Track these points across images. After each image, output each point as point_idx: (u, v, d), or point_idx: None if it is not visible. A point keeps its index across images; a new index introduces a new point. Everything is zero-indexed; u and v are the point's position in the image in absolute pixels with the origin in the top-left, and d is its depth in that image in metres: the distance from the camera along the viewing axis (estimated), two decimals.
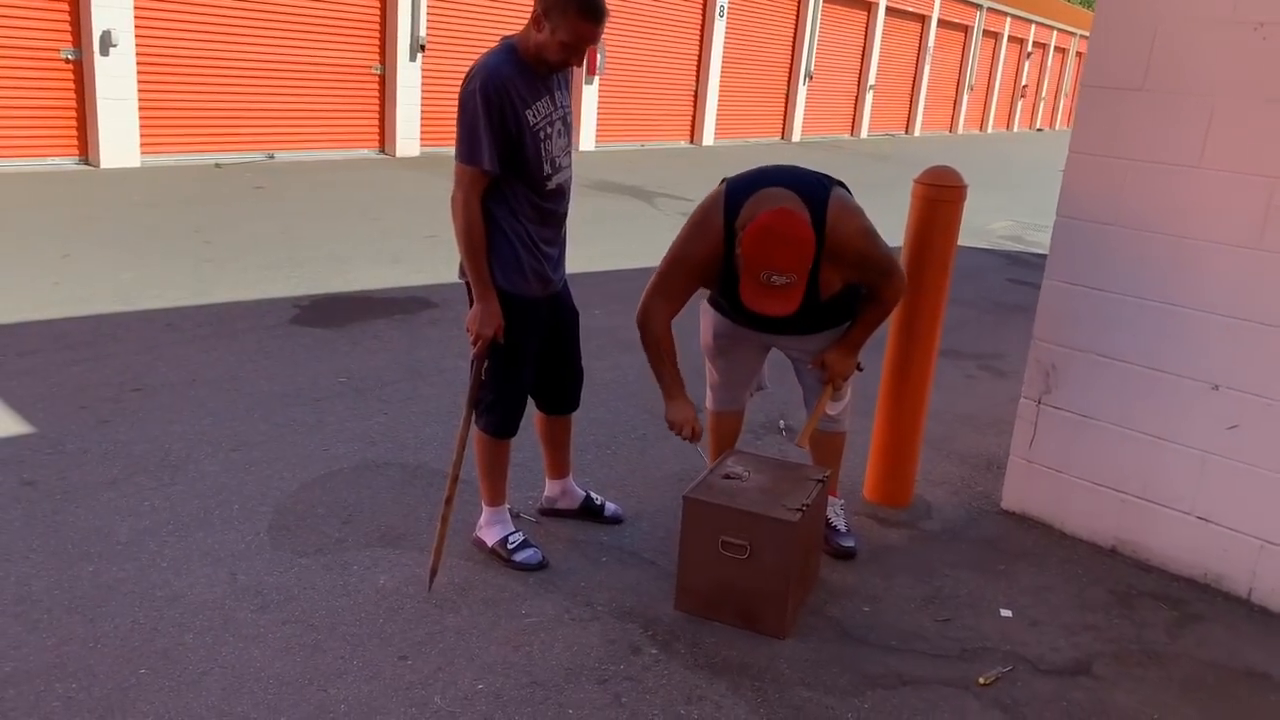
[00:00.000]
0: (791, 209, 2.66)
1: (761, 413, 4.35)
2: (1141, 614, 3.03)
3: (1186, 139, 3.07)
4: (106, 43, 8.97)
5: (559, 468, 3.26)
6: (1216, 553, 3.18)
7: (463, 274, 2.74)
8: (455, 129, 2.62)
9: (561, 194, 2.80)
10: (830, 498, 3.26)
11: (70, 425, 3.74)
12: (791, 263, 2.61)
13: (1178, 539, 3.25)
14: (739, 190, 2.80)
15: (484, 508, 3.04)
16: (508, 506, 3.09)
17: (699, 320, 3.21)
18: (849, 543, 3.22)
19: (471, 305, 2.74)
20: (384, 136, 12.04)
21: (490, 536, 3.01)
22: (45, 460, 3.43)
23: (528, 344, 2.84)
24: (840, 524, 3.25)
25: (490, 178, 2.63)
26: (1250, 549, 3.11)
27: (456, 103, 2.64)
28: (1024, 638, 2.85)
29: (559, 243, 2.88)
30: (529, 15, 2.63)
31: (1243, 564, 3.13)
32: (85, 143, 9.28)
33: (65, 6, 8.90)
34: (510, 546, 2.97)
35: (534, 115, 2.64)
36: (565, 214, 2.86)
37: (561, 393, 3.10)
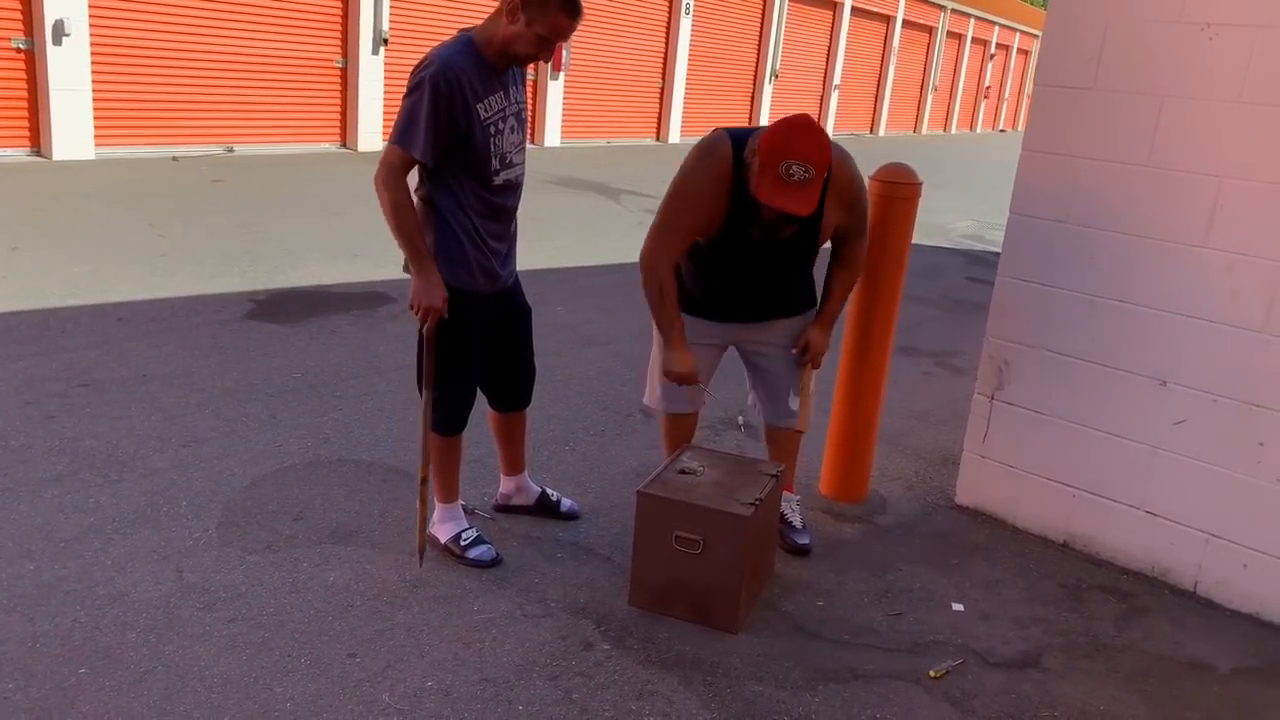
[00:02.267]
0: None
1: (720, 408, 4.35)
2: (1091, 607, 3.07)
3: (1135, 138, 3.11)
4: (59, 32, 8.80)
5: (513, 464, 3.24)
6: (1164, 546, 3.23)
7: (407, 268, 2.70)
8: (399, 111, 2.58)
9: (511, 189, 2.77)
10: (786, 494, 3.27)
11: (14, 421, 3.65)
12: (812, 153, 2.57)
13: (1127, 533, 3.30)
14: (738, 132, 2.82)
15: (436, 504, 3.01)
16: (461, 503, 3.07)
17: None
18: (804, 540, 3.23)
19: None
20: (345, 130, 11.92)
21: (443, 534, 2.98)
22: None
23: (473, 340, 2.82)
24: (796, 520, 3.26)
25: (415, 165, 2.58)
26: (1196, 542, 3.16)
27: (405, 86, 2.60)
28: (975, 631, 2.87)
29: (508, 238, 2.85)
30: (493, 7, 2.60)
31: (1189, 557, 3.18)
32: (37, 133, 9.10)
33: None
34: (463, 543, 2.95)
35: (485, 109, 2.61)
36: (514, 209, 2.83)
37: (513, 389, 3.08)
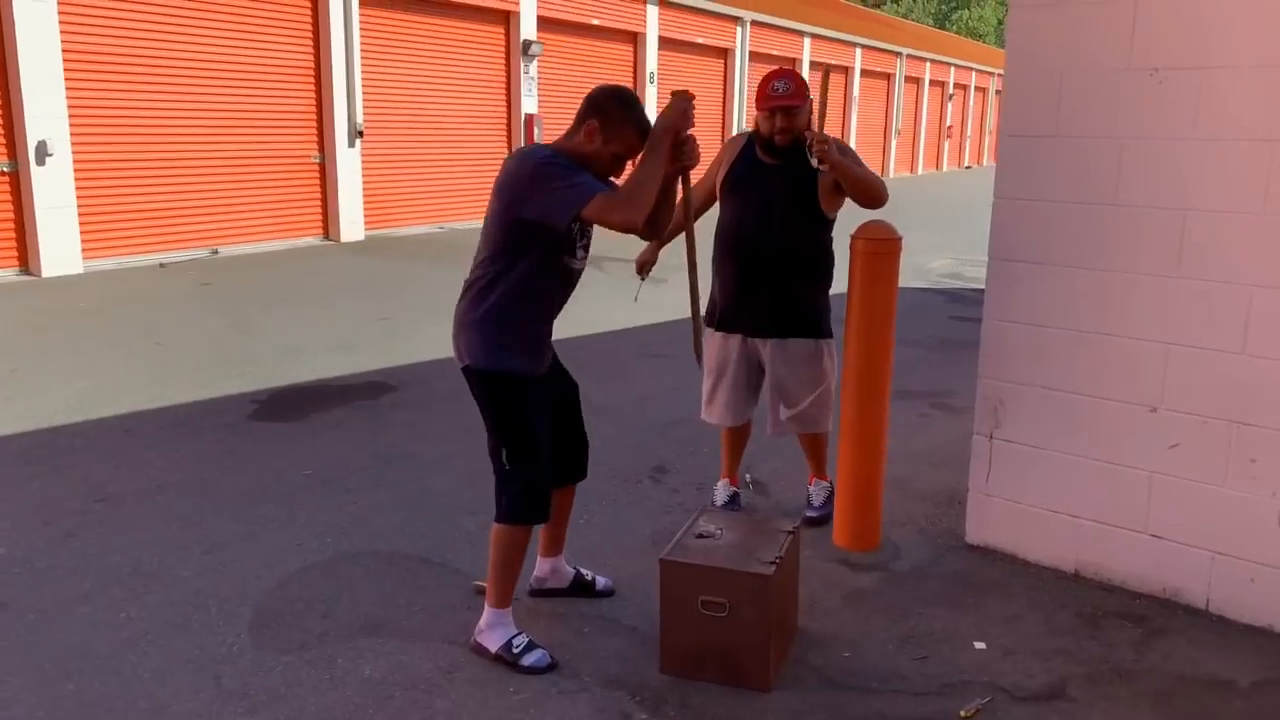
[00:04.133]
0: None
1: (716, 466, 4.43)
2: (1109, 634, 3.14)
3: (1100, 179, 3.27)
4: (42, 152, 8.98)
5: (555, 543, 3.28)
6: (1172, 568, 3.31)
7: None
8: (542, 196, 2.63)
9: (577, 276, 2.93)
10: (822, 482, 3.99)
11: (37, 542, 3.71)
12: (790, 75, 3.61)
13: (1135, 558, 3.38)
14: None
15: (487, 608, 2.95)
16: (510, 608, 3.00)
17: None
18: (810, 513, 3.89)
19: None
20: (327, 223, 12.11)
21: (493, 641, 2.91)
22: (15, 580, 3.40)
23: (540, 424, 2.89)
24: (815, 500, 3.95)
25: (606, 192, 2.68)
26: (1203, 561, 3.24)
27: (518, 180, 2.69)
28: (999, 667, 2.94)
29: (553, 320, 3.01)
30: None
31: (1198, 576, 3.26)
32: (25, 253, 9.22)
33: None
34: (516, 650, 2.88)
35: None
36: (568, 296, 2.98)
37: (573, 461, 3.15)
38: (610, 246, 3.05)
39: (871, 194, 3.55)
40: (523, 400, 2.86)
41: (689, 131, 2.77)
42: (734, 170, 3.72)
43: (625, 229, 2.65)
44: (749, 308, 3.72)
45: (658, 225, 2.91)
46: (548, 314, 2.92)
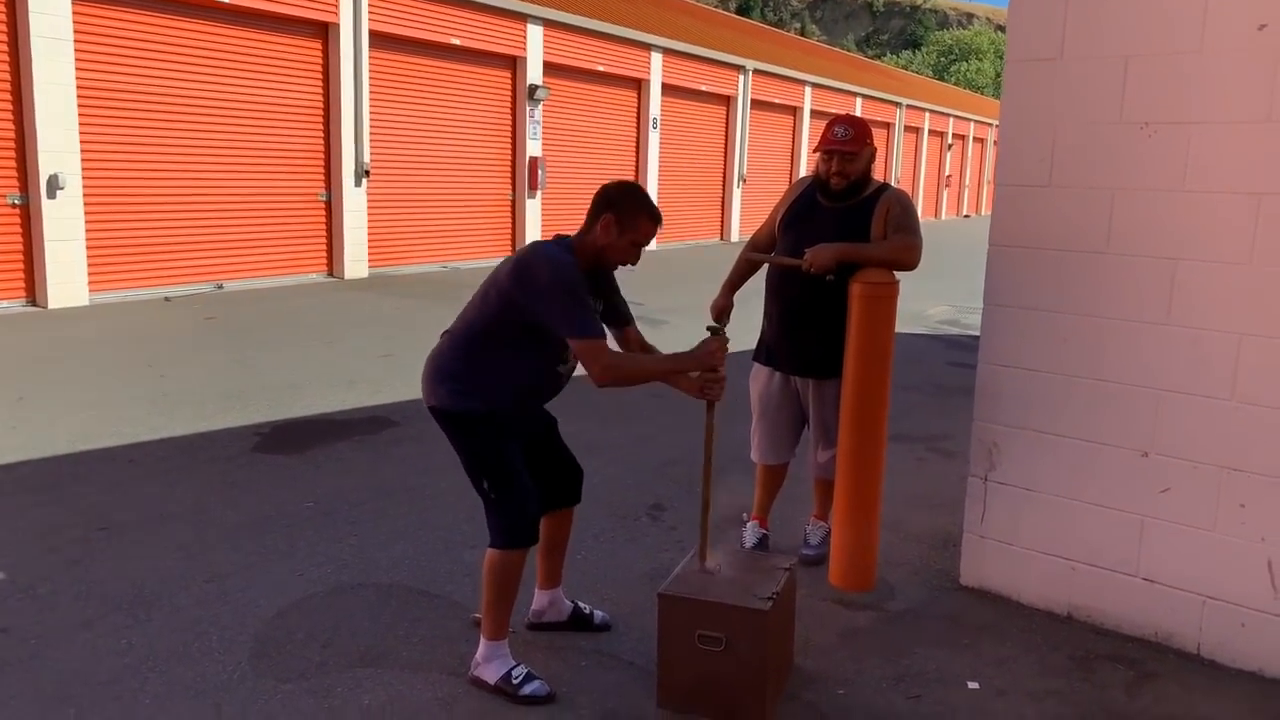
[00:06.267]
0: None
1: (728, 507, 4.48)
2: (1100, 676, 3.17)
3: (1092, 228, 3.36)
4: (53, 186, 9.12)
5: (552, 575, 3.32)
6: (1164, 612, 3.35)
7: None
8: (550, 309, 2.79)
9: (566, 379, 3.06)
10: (820, 522, 4.06)
11: (40, 568, 3.74)
12: (851, 120, 3.70)
13: (1127, 601, 3.42)
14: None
15: (483, 641, 2.98)
16: (507, 639, 3.04)
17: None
18: (806, 551, 3.96)
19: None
20: (331, 260, 12.23)
21: (491, 674, 2.94)
22: (17, 605, 3.43)
23: (511, 450, 2.95)
24: (812, 538, 4.03)
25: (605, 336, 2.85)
26: (1194, 605, 3.28)
27: (531, 283, 2.81)
28: (992, 708, 2.96)
29: (538, 410, 3.15)
30: (587, 217, 2.97)
31: (1189, 621, 3.30)
32: (32, 284, 9.32)
33: (12, 153, 9.05)
34: (515, 680, 2.91)
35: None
36: (553, 396, 3.10)
37: (564, 485, 3.21)
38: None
39: (899, 267, 3.52)
40: (488, 431, 2.93)
41: (720, 370, 2.97)
42: (792, 209, 3.82)
43: (595, 381, 2.81)
44: (792, 346, 3.78)
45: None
46: (518, 397, 2.99)
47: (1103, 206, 3.33)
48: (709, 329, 3.01)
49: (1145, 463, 3.33)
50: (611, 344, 2.90)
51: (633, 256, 2.97)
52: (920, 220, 3.77)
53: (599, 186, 3.02)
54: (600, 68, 16.28)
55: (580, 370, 2.93)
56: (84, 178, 9.45)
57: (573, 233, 2.98)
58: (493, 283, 2.91)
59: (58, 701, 2.85)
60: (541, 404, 3.12)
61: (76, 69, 9.26)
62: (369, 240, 12.48)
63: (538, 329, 2.85)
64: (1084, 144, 3.35)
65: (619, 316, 3.11)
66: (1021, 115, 3.50)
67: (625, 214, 2.90)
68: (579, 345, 2.79)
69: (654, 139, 17.69)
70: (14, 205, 9.13)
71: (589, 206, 2.97)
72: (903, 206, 3.67)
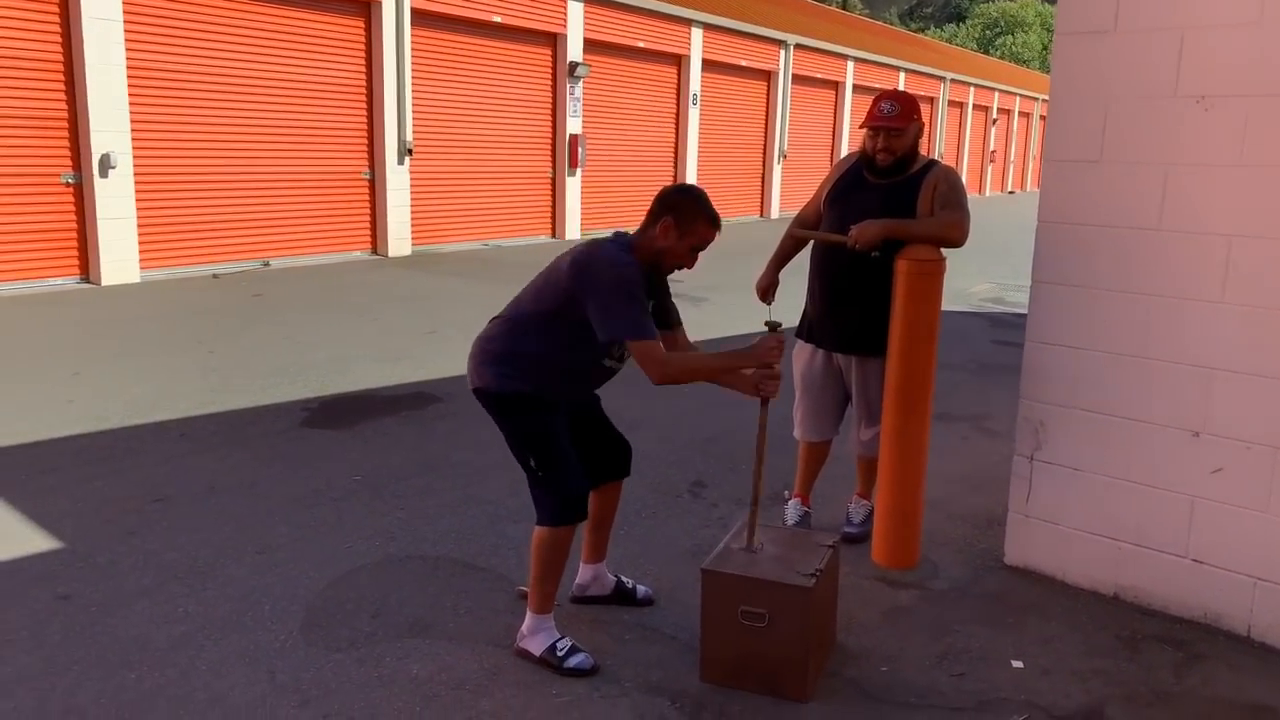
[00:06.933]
0: None
1: (771, 485, 4.48)
2: (1147, 657, 3.14)
3: (1145, 204, 3.30)
4: (105, 165, 9.29)
5: (597, 549, 3.35)
6: (1213, 593, 3.31)
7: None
8: (605, 306, 2.79)
9: (612, 374, 3.06)
10: (864, 501, 4.06)
11: (99, 538, 3.85)
12: (898, 95, 3.68)
13: (1175, 582, 3.38)
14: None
15: (529, 614, 3.03)
16: (552, 612, 3.08)
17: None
18: (849, 529, 3.96)
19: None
20: (375, 238, 12.35)
21: (536, 646, 2.99)
22: (78, 574, 3.54)
23: (557, 428, 2.98)
24: (856, 518, 4.01)
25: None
26: (1245, 587, 3.24)
27: (591, 282, 2.82)
28: (1037, 686, 2.95)
29: (585, 399, 3.17)
30: (646, 218, 2.96)
31: (1239, 603, 3.26)
32: (86, 262, 9.52)
33: (65, 132, 9.23)
34: (560, 653, 2.96)
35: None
36: (600, 385, 3.12)
37: (612, 458, 3.23)
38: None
39: (945, 243, 3.49)
40: (535, 410, 2.95)
41: (776, 367, 2.95)
42: (838, 185, 3.80)
43: (652, 379, 2.81)
44: (836, 323, 3.77)
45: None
46: (565, 387, 3.01)
47: (1156, 182, 3.27)
48: (767, 324, 2.99)
49: (1196, 442, 3.28)
50: None
51: (690, 260, 2.97)
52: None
53: (660, 189, 3.03)
54: (640, 44, 16.20)
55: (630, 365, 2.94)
56: (134, 157, 9.61)
57: (627, 227, 3.00)
58: (550, 276, 2.93)
59: (120, 666, 2.94)
60: (590, 392, 3.14)
61: (126, 49, 9.40)
62: (412, 218, 12.58)
63: (592, 325, 2.84)
64: (1137, 118, 3.29)
65: (668, 318, 3.10)
66: (1072, 89, 3.44)
67: (685, 218, 2.91)
68: (637, 347, 2.78)
69: (694, 115, 17.58)
70: (68, 184, 9.32)
71: (649, 207, 2.97)
72: (950, 183, 3.62)
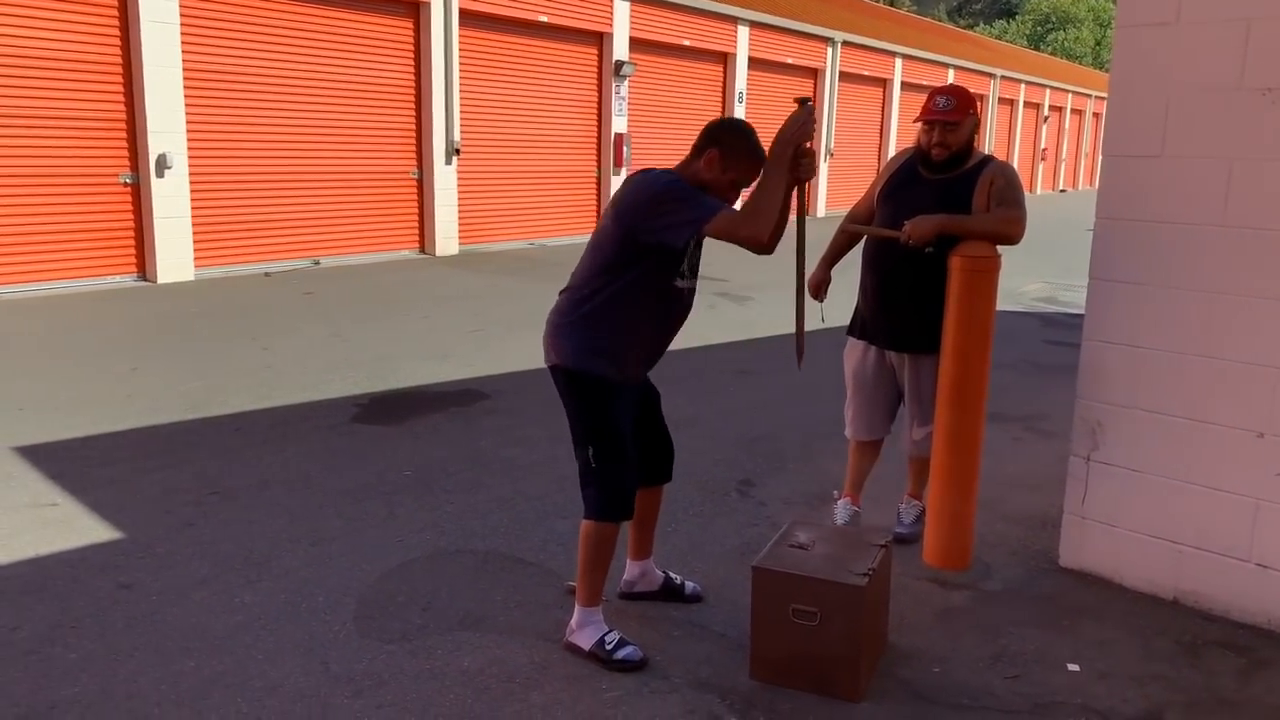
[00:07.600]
0: None
1: (820, 484, 4.46)
2: (1209, 662, 3.07)
3: (1209, 199, 3.22)
4: (162, 165, 9.48)
5: (643, 547, 3.35)
6: (1278, 599, 3.22)
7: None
8: (663, 219, 2.74)
9: (688, 296, 3.01)
10: (915, 501, 4.01)
11: (157, 529, 3.93)
12: (953, 90, 3.64)
13: (1238, 587, 3.30)
14: None
15: (577, 608, 3.04)
16: (600, 606, 3.08)
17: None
18: (900, 529, 3.91)
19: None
20: (424, 237, 12.47)
21: (585, 640, 3.00)
22: (138, 564, 3.62)
23: (623, 422, 2.98)
24: (905, 517, 3.98)
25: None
26: None
27: (640, 203, 2.79)
28: (1094, 690, 2.90)
29: (667, 344, 3.08)
30: (691, 151, 2.93)
31: None
32: (143, 260, 9.73)
33: (123, 134, 9.44)
34: (609, 646, 2.96)
35: None
36: (682, 320, 3.05)
37: (659, 462, 3.23)
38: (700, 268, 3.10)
39: (1001, 240, 3.43)
40: (609, 400, 2.95)
41: (809, 145, 2.83)
42: (891, 181, 3.76)
43: (752, 243, 2.71)
44: (888, 321, 3.73)
45: (774, 238, 2.92)
46: (645, 330, 2.97)
47: (1220, 177, 3.19)
48: (796, 100, 2.87)
49: (1261, 444, 3.20)
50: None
51: (733, 196, 2.90)
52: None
53: (707, 122, 2.96)
54: (686, 42, 16.18)
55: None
56: (189, 157, 9.80)
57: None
58: (600, 234, 2.92)
59: (179, 654, 3.00)
60: (674, 329, 3.05)
61: (183, 51, 9.59)
62: (459, 217, 12.69)
63: (655, 251, 2.79)
64: (1200, 112, 3.22)
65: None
66: (1132, 82, 3.37)
67: (730, 151, 2.86)
68: (715, 226, 2.69)
69: (740, 113, 17.52)
70: (125, 184, 9.53)
71: (695, 139, 2.92)
72: (1007, 179, 3.57)
